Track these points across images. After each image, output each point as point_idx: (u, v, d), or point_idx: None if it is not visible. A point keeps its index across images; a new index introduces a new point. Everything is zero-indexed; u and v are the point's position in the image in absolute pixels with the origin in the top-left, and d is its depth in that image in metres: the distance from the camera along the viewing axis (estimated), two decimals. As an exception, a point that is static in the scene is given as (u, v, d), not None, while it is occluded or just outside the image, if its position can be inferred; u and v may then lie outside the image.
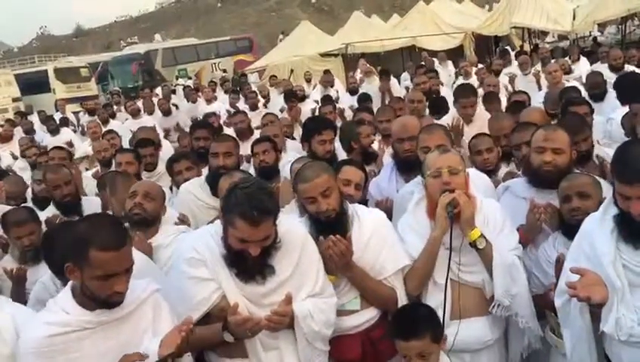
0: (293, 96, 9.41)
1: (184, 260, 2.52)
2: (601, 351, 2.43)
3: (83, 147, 8.89)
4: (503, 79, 9.14)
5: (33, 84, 22.95)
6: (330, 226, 2.69)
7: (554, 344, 2.82)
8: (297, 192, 2.82)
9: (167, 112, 10.37)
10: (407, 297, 2.82)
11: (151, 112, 10.58)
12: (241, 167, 4.43)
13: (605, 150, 4.00)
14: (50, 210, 4.36)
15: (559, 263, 2.69)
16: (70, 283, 2.24)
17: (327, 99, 9.04)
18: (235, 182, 2.54)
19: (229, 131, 7.57)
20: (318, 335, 2.54)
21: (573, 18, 16.17)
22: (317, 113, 8.02)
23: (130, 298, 2.24)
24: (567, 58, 10.36)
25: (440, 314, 2.71)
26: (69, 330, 2.12)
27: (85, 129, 11.39)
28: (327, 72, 12.72)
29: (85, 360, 2.13)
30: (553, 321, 2.78)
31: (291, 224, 2.65)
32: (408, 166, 3.71)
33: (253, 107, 9.14)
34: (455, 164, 2.81)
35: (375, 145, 5.07)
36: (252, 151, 4.59)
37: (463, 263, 2.79)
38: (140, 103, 11.43)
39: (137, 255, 2.99)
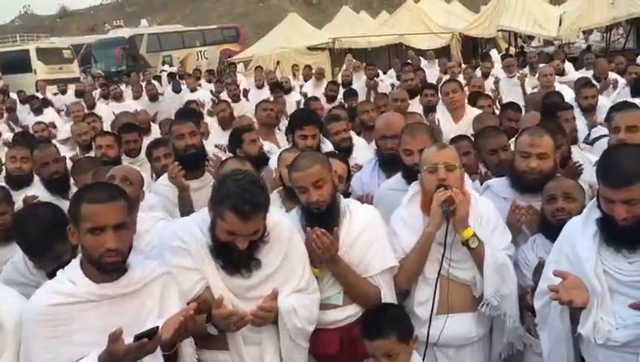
0: (279, 88, 9.38)
1: (169, 248, 2.47)
2: (577, 352, 2.45)
3: (65, 129, 8.76)
4: (488, 82, 9.19)
5: (14, 63, 22.51)
6: (320, 218, 2.67)
7: (529, 343, 2.85)
8: (290, 181, 2.80)
9: (154, 97, 10.29)
10: (397, 290, 2.81)
11: (137, 97, 10.49)
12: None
13: (586, 155, 4.03)
14: (30, 191, 4.27)
15: (539, 268, 2.71)
16: (80, 255, 2.25)
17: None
18: (226, 172, 2.50)
19: (211, 121, 7.53)
20: (300, 331, 2.52)
21: (560, 24, 16.35)
22: (302, 106, 7.97)
23: (139, 275, 2.25)
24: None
25: (428, 308, 2.73)
26: (73, 301, 2.13)
27: (66, 111, 11.31)
28: (308, 66, 12.75)
29: (87, 333, 2.12)
30: (530, 322, 2.81)
31: (279, 216, 2.62)
32: (391, 163, 3.71)
33: (235, 98, 9.10)
34: (452, 160, 2.83)
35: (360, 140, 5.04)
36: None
37: (454, 259, 2.80)
38: (123, 87, 11.35)
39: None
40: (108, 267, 2.17)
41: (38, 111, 10.52)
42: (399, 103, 5.88)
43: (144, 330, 2.06)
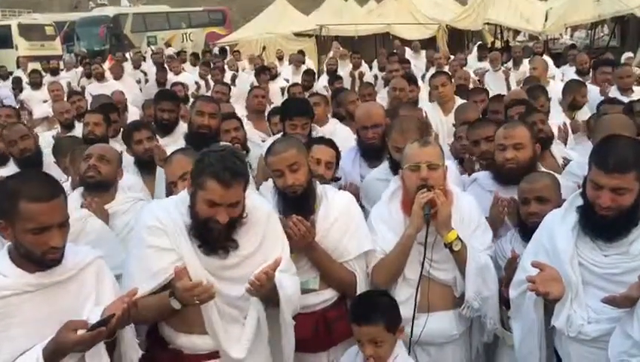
0: (265, 72, 9.34)
1: (145, 228, 2.44)
2: (550, 345, 2.48)
3: (43, 108, 8.63)
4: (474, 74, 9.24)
5: (-6, 38, 22.16)
6: (296, 202, 2.68)
7: (502, 336, 2.88)
8: (267, 166, 2.80)
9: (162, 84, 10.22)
10: (375, 288, 2.80)
11: (118, 77, 10.36)
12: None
13: (568, 152, 4.07)
14: (11, 168, 4.20)
15: (512, 261, 2.73)
16: (6, 246, 2.15)
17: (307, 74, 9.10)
18: (207, 148, 2.48)
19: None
20: (292, 302, 2.50)
21: (545, 19, 16.43)
22: (286, 92, 7.94)
23: (72, 262, 2.17)
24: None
25: (408, 308, 2.70)
26: (8, 294, 2.03)
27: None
28: (300, 52, 12.68)
29: (26, 325, 2.05)
30: (503, 314, 2.83)
31: (257, 200, 2.61)
32: (372, 152, 3.73)
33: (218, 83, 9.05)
34: (435, 158, 2.78)
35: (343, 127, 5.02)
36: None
37: (435, 260, 2.78)
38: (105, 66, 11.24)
39: (94, 221, 2.98)
40: (49, 263, 2.09)
41: (37, 85, 10.44)
42: (398, 92, 5.72)
43: (99, 319, 2.02)
